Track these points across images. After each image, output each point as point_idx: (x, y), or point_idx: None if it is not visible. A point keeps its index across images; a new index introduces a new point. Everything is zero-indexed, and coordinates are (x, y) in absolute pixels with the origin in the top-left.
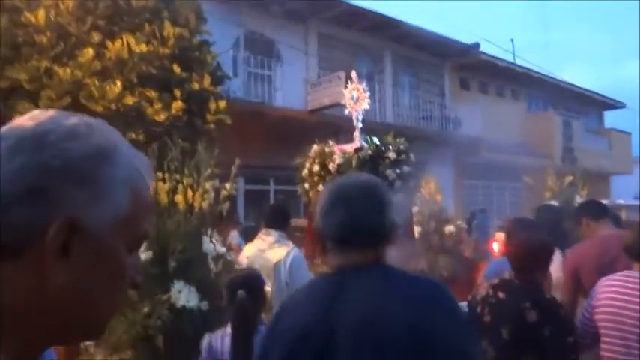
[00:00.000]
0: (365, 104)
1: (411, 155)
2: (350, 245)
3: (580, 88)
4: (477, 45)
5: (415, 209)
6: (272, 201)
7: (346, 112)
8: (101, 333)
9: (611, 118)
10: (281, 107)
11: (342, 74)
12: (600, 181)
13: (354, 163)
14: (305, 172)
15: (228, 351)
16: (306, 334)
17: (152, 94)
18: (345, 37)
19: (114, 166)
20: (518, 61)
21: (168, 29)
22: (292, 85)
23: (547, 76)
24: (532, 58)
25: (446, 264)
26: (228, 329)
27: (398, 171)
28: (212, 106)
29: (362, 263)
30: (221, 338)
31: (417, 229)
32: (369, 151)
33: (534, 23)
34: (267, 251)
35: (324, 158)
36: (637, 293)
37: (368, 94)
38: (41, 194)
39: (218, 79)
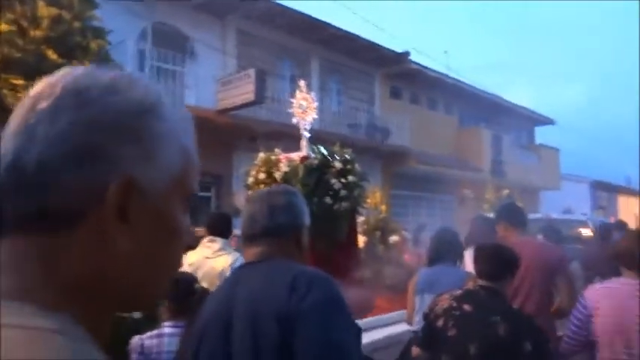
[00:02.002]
0: (313, 114)
1: (357, 165)
2: (249, 241)
3: (511, 103)
4: (407, 53)
5: (361, 219)
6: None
7: (294, 120)
8: (162, 296)
9: (542, 135)
10: (187, 105)
11: (252, 72)
12: (530, 196)
13: (300, 172)
14: (251, 179)
15: (165, 350)
16: (212, 319)
17: (18, 81)
18: (266, 36)
19: (162, 120)
20: (452, 75)
21: (42, 10)
22: (207, 85)
23: (479, 90)
24: (474, 76)
25: (390, 273)
26: (165, 329)
27: (343, 180)
28: None
29: (259, 257)
30: (157, 338)
31: (362, 239)
32: (316, 160)
33: (475, 40)
34: (212, 259)
35: (270, 166)
36: (637, 300)
37: (316, 104)
38: (93, 153)
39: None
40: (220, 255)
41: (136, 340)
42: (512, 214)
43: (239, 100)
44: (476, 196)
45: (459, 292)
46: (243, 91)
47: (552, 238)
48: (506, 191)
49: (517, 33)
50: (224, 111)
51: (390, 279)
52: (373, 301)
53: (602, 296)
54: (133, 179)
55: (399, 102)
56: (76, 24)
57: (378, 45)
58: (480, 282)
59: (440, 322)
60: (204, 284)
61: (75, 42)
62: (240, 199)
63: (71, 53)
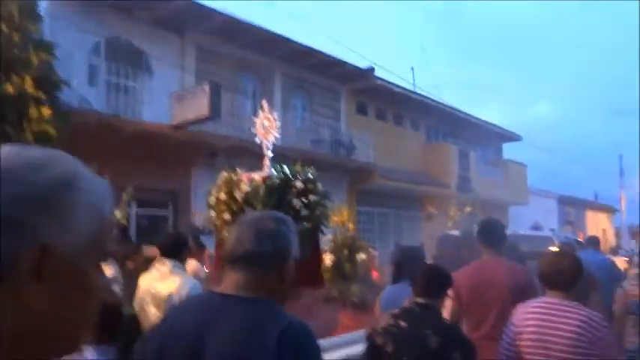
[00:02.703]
0: (275, 133)
1: (319, 184)
2: (231, 264)
3: (478, 119)
4: (372, 69)
5: (327, 237)
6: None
7: (257, 140)
8: (77, 347)
9: (510, 151)
10: (139, 121)
11: (207, 86)
12: (498, 211)
13: (261, 192)
14: (212, 199)
15: None
16: (177, 345)
17: None
18: (227, 52)
19: (78, 192)
20: (418, 91)
21: None
22: (163, 100)
23: (446, 105)
24: (441, 93)
25: (357, 291)
26: (87, 354)
27: (305, 200)
28: (33, 113)
29: (240, 288)
30: None
31: (329, 257)
32: (277, 180)
33: (442, 59)
34: (159, 282)
35: (231, 186)
36: (559, 319)
37: (279, 123)
38: (14, 225)
39: (52, 84)
40: (168, 278)
41: None
42: (484, 233)
43: (193, 115)
44: (443, 212)
45: (396, 310)
46: (198, 105)
47: (511, 256)
48: (468, 208)
49: (485, 52)
50: (179, 126)
51: (356, 297)
52: (337, 320)
53: (526, 316)
54: (47, 245)
55: (365, 118)
56: (16, 37)
57: (342, 61)
58: (416, 299)
59: (380, 340)
60: (152, 308)
61: (15, 55)
62: (199, 217)
63: (10, 66)
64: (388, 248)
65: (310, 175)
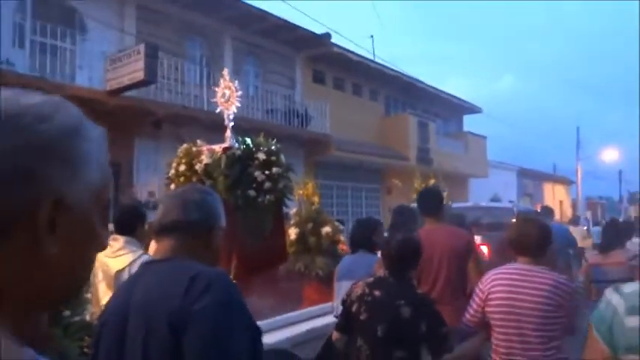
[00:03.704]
0: (236, 103)
1: (282, 157)
2: (159, 234)
3: (439, 90)
4: (328, 35)
5: (292, 211)
6: None
7: (217, 110)
8: (79, 292)
9: (470, 124)
10: (69, 85)
11: (142, 47)
12: (458, 183)
13: (222, 164)
14: (172, 172)
15: None
16: (110, 317)
17: None
18: (171, 13)
19: (86, 141)
20: (378, 60)
21: None
22: (100, 64)
23: (406, 76)
24: (402, 65)
25: (322, 264)
26: None
27: (267, 172)
28: None
29: (165, 254)
30: None
31: (294, 231)
32: (239, 152)
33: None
34: (110, 259)
35: (191, 158)
36: (528, 284)
37: (239, 92)
38: (25, 176)
39: None
40: (119, 255)
41: None
42: (423, 202)
43: (127, 80)
44: (403, 184)
45: (371, 279)
46: (133, 68)
47: (457, 224)
48: (432, 180)
49: (449, 28)
50: (114, 92)
51: (321, 270)
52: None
53: (495, 281)
54: (61, 197)
55: (322, 87)
56: None
57: (297, 25)
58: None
59: (354, 307)
60: (103, 285)
61: None
62: (143, 190)
63: None
64: (348, 222)
65: (273, 147)
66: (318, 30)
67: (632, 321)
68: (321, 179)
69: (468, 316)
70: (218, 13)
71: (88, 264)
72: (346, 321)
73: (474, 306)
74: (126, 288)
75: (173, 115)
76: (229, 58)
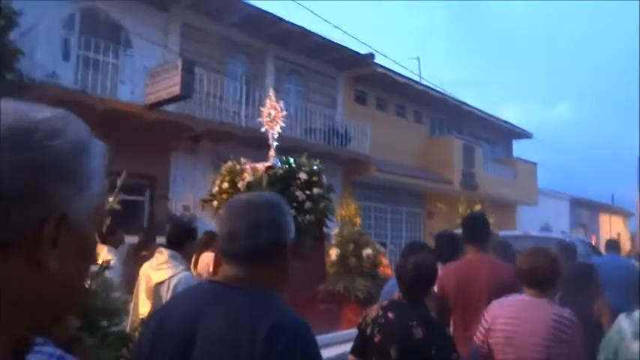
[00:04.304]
0: (281, 123)
1: (324, 177)
2: (228, 261)
3: (487, 114)
4: (372, 55)
5: (334, 231)
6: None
7: (262, 129)
8: (78, 305)
9: (522, 150)
10: (109, 98)
11: (179, 62)
12: (506, 210)
13: (264, 182)
14: (215, 189)
15: None
16: (168, 334)
17: None
18: (215, 30)
19: (92, 157)
20: (423, 82)
21: None
22: (142, 80)
23: (452, 98)
24: (463, 93)
25: (362, 286)
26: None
27: (308, 192)
28: None
29: (238, 280)
30: None
31: (335, 251)
32: (281, 171)
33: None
34: (154, 271)
35: (234, 175)
36: (530, 317)
37: (284, 113)
38: (38, 193)
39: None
40: (162, 268)
41: None
42: (468, 228)
43: (165, 94)
44: (446, 209)
45: (385, 302)
46: (170, 83)
47: (501, 254)
48: (478, 206)
49: (503, 51)
50: (152, 106)
51: (361, 292)
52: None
53: (499, 311)
54: (65, 213)
55: (364, 107)
56: None
57: (340, 45)
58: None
59: (369, 330)
60: (143, 296)
61: None
62: (177, 204)
63: None
64: (387, 245)
65: (315, 168)
66: (363, 50)
67: (635, 346)
68: (360, 200)
69: (474, 344)
70: (261, 31)
71: (85, 277)
72: (361, 344)
73: (480, 337)
74: (187, 309)
75: (211, 130)
76: (271, 76)
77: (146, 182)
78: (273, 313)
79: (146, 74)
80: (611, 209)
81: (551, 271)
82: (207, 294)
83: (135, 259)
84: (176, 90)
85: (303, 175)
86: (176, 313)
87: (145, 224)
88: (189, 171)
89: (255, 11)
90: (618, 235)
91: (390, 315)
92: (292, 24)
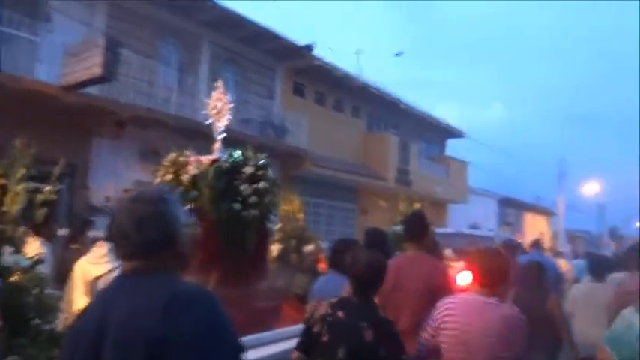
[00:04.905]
0: (228, 115)
1: (269, 171)
2: (122, 257)
3: (421, 111)
4: (311, 47)
5: (276, 227)
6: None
7: (208, 121)
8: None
9: (454, 149)
10: (24, 77)
11: (102, 41)
12: (437, 208)
13: (209, 176)
14: (157, 180)
15: None
16: (82, 335)
17: None
18: (146, 12)
19: None
20: (363, 77)
21: None
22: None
23: (389, 94)
24: (401, 91)
25: (301, 282)
26: None
27: (254, 186)
28: None
29: (136, 271)
30: None
31: (277, 247)
32: (226, 164)
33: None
34: (91, 264)
35: (178, 168)
36: (479, 316)
37: (232, 105)
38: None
39: None
40: (101, 262)
41: None
42: (409, 227)
43: (84, 75)
44: (380, 205)
45: (335, 299)
46: (90, 63)
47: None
48: (417, 204)
49: (444, 50)
50: (70, 87)
51: (301, 288)
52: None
53: (448, 310)
54: None
55: (302, 100)
56: None
57: (279, 35)
58: (354, 290)
59: (316, 328)
60: (80, 290)
61: None
62: (98, 194)
63: None
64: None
65: (261, 162)
66: (303, 41)
67: None
68: (296, 195)
69: (422, 341)
70: (196, 16)
71: None
72: (307, 341)
73: (427, 335)
74: (102, 301)
75: (137, 117)
76: (206, 64)
77: (64, 170)
78: (171, 287)
79: (65, 52)
80: (536, 209)
81: (502, 271)
82: (113, 288)
83: (65, 252)
84: (97, 70)
85: (248, 169)
86: (93, 307)
87: (63, 215)
88: (112, 159)
89: None
90: (541, 233)
91: (340, 314)
92: (229, 10)
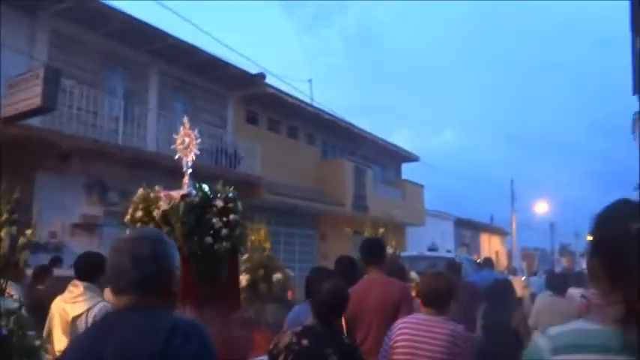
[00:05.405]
0: (195, 150)
1: (239, 204)
2: (118, 293)
3: (375, 136)
4: (263, 75)
5: (244, 257)
6: None
7: (176, 156)
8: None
9: (409, 173)
10: None
11: (41, 71)
12: (396, 232)
13: (180, 210)
14: (127, 217)
15: None
16: None
17: None
18: (90, 41)
19: None
20: (315, 104)
21: None
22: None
23: (342, 120)
24: (343, 113)
25: (272, 311)
26: None
27: (225, 219)
28: None
29: (131, 307)
30: None
31: (245, 277)
32: (197, 199)
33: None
34: (68, 305)
35: (148, 204)
36: (428, 334)
37: (199, 140)
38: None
39: None
40: (78, 301)
41: None
42: (366, 251)
43: (23, 106)
44: (339, 231)
45: (299, 328)
46: (30, 94)
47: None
48: (381, 229)
49: (396, 78)
50: (10, 119)
51: (272, 317)
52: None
53: (401, 330)
54: None
55: (255, 128)
56: None
57: (229, 63)
58: (317, 319)
59: (281, 358)
60: (59, 332)
61: None
62: (42, 230)
63: None
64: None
65: (230, 195)
66: (254, 70)
67: None
68: (252, 224)
69: (380, 358)
70: (143, 45)
71: None
72: None
73: (383, 353)
74: (94, 336)
75: (82, 148)
76: (154, 93)
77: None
78: (170, 320)
79: (5, 84)
80: (491, 229)
81: (448, 292)
82: (108, 322)
83: (32, 292)
84: (36, 102)
85: (219, 202)
86: (81, 344)
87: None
88: (56, 193)
89: (136, 23)
90: (496, 252)
91: (305, 342)
92: (179, 39)
